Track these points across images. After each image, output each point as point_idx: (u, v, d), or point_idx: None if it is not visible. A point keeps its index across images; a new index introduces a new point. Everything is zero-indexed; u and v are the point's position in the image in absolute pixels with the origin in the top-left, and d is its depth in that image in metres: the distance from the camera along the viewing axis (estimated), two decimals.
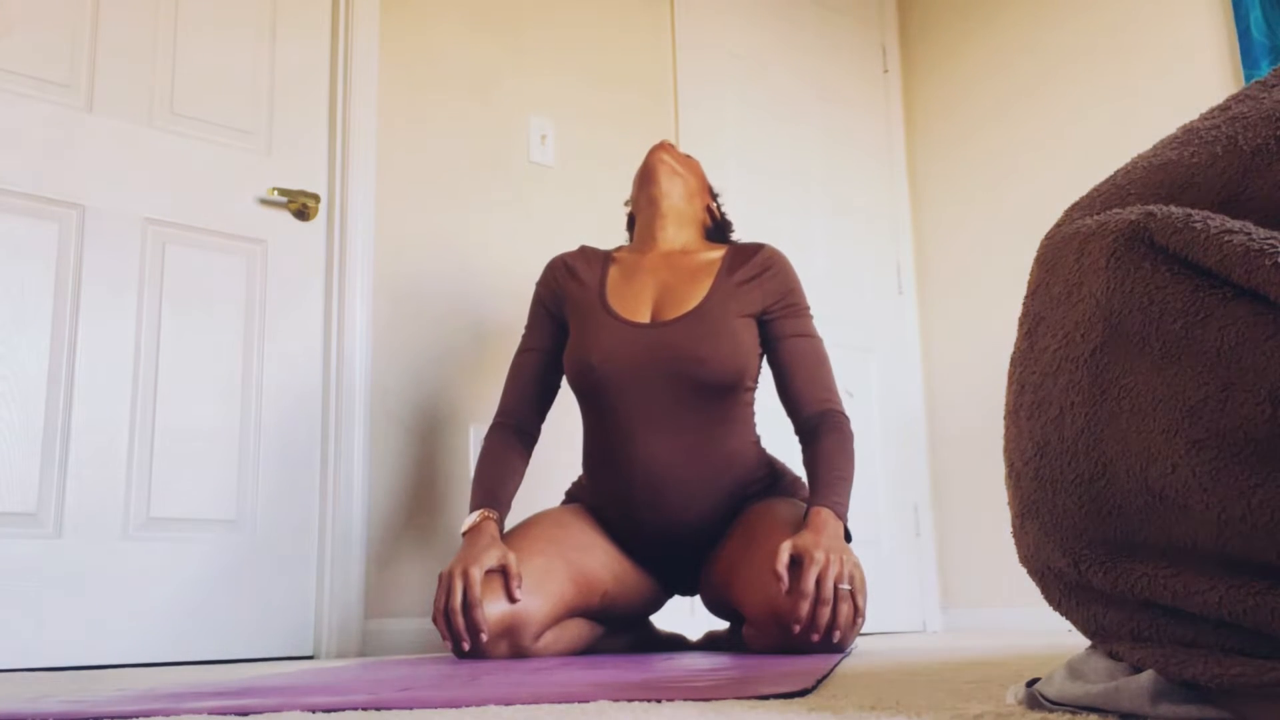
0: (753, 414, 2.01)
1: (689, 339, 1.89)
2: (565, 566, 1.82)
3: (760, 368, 2.03)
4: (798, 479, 2.08)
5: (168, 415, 2.13)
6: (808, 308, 2.03)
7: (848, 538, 1.81)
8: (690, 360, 1.88)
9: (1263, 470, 0.53)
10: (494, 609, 1.70)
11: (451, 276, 2.53)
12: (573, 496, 2.13)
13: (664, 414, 1.89)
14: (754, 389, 2.01)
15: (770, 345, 2.00)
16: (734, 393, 1.92)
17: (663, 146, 2.14)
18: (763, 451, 2.04)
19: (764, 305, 1.98)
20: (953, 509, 3.42)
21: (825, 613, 1.63)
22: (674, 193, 2.09)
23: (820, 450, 1.90)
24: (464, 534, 1.85)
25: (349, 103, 2.43)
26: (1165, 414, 0.57)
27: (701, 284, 1.98)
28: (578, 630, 1.86)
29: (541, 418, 2.08)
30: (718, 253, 2.06)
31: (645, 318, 1.96)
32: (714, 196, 2.23)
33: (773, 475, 2.04)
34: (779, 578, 1.66)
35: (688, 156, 2.19)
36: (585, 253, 2.12)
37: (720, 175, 3.10)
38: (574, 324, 2.01)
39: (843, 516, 1.81)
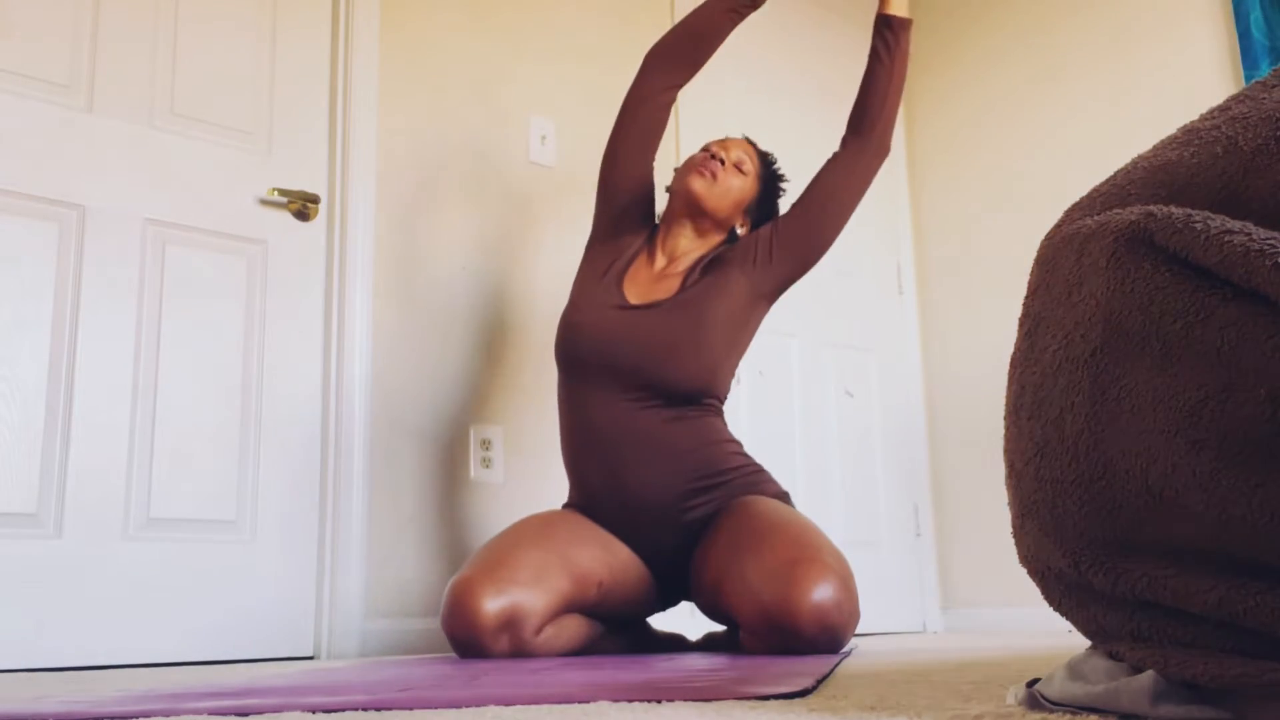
0: (720, 417, 2.07)
1: (663, 329, 2.01)
2: (560, 562, 1.85)
3: (734, 378, 2.10)
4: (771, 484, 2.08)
5: (168, 415, 2.13)
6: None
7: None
8: (658, 354, 1.98)
9: (1263, 470, 0.53)
10: (494, 604, 1.73)
11: (451, 276, 2.53)
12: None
13: (626, 396, 1.99)
14: (721, 403, 2.07)
15: (803, 211, 2.18)
16: (697, 402, 2.01)
17: (713, 173, 2.17)
18: (737, 451, 2.06)
19: (777, 258, 2.12)
20: (953, 509, 3.42)
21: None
22: (714, 206, 2.17)
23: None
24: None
25: (349, 103, 2.43)
26: (1165, 414, 0.57)
27: (711, 278, 2.09)
28: (576, 627, 1.88)
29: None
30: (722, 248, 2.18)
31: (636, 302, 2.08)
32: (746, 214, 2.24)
33: (753, 473, 2.04)
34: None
35: (742, 166, 2.23)
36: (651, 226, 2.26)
37: None
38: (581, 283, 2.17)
39: None
